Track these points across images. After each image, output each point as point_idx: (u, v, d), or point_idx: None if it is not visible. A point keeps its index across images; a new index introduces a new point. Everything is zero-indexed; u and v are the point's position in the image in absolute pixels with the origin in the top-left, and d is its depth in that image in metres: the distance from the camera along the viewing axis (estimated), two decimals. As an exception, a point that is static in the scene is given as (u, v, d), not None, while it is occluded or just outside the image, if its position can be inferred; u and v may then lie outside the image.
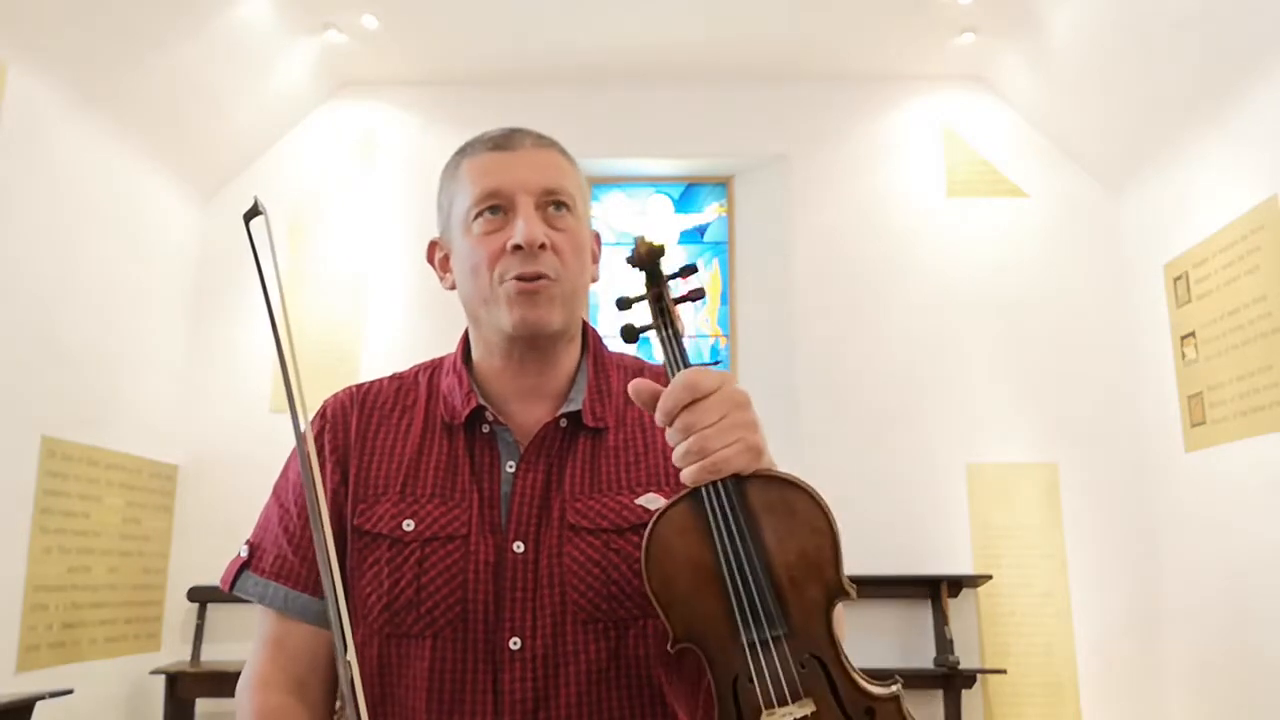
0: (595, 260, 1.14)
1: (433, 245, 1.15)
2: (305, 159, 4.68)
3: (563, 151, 1.11)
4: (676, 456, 0.90)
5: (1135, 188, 4.36)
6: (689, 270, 1.02)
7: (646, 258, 0.98)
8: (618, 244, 4.94)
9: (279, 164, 4.66)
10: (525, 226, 1.01)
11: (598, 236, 1.16)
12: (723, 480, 0.88)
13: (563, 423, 1.06)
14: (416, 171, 4.62)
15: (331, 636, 1.01)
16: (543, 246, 1.01)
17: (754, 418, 0.91)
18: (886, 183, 4.62)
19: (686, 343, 0.96)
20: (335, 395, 1.15)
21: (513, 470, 1.04)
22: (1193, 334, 3.87)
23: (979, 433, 4.33)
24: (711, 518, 0.88)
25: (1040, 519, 4.25)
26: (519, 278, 1.01)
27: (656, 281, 0.99)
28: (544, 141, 1.09)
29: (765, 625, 0.86)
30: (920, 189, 4.60)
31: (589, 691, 0.98)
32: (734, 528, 0.87)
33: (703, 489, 0.89)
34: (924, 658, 4.07)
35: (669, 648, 0.90)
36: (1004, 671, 4.03)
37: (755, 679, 0.86)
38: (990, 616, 4.17)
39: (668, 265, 1.00)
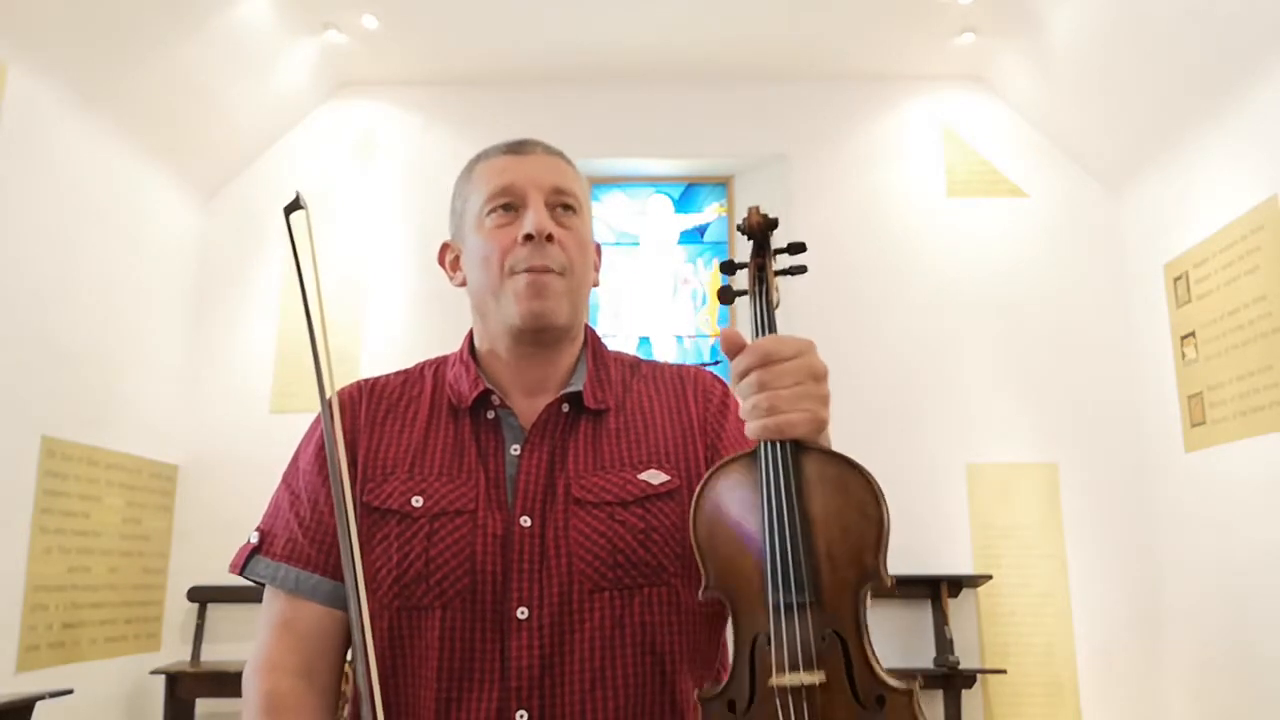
0: (596, 269, 1.19)
1: (444, 248, 1.20)
2: (305, 159, 4.68)
3: (570, 162, 1.18)
4: (744, 410, 0.93)
5: (1135, 188, 4.36)
6: (796, 248, 1.05)
7: (756, 227, 1.02)
8: (618, 244, 4.95)
9: (279, 164, 4.66)
10: (535, 216, 1.07)
11: (599, 248, 1.22)
12: (783, 444, 0.91)
13: (565, 406, 1.10)
14: (416, 171, 4.62)
15: (342, 616, 1.07)
16: (550, 238, 1.07)
17: (827, 392, 0.93)
18: (886, 183, 4.62)
19: (778, 313, 1.02)
20: (343, 388, 1.18)
21: (517, 453, 1.08)
22: (1193, 334, 3.87)
23: (979, 433, 4.33)
24: (764, 477, 0.91)
25: (1040, 519, 4.25)
26: (528, 270, 1.06)
27: (762, 252, 1.03)
28: (553, 150, 1.17)
29: (794, 589, 0.88)
30: (920, 189, 4.60)
31: (593, 658, 1.00)
32: (784, 490, 0.90)
33: (762, 450, 0.91)
34: (924, 658, 4.07)
35: (699, 594, 0.94)
36: (1004, 671, 4.03)
37: (773, 640, 0.88)
38: (990, 616, 4.18)
39: (776, 239, 1.04)
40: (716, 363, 4.77)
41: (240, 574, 1.11)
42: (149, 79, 3.82)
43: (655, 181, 5.01)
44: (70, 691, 3.17)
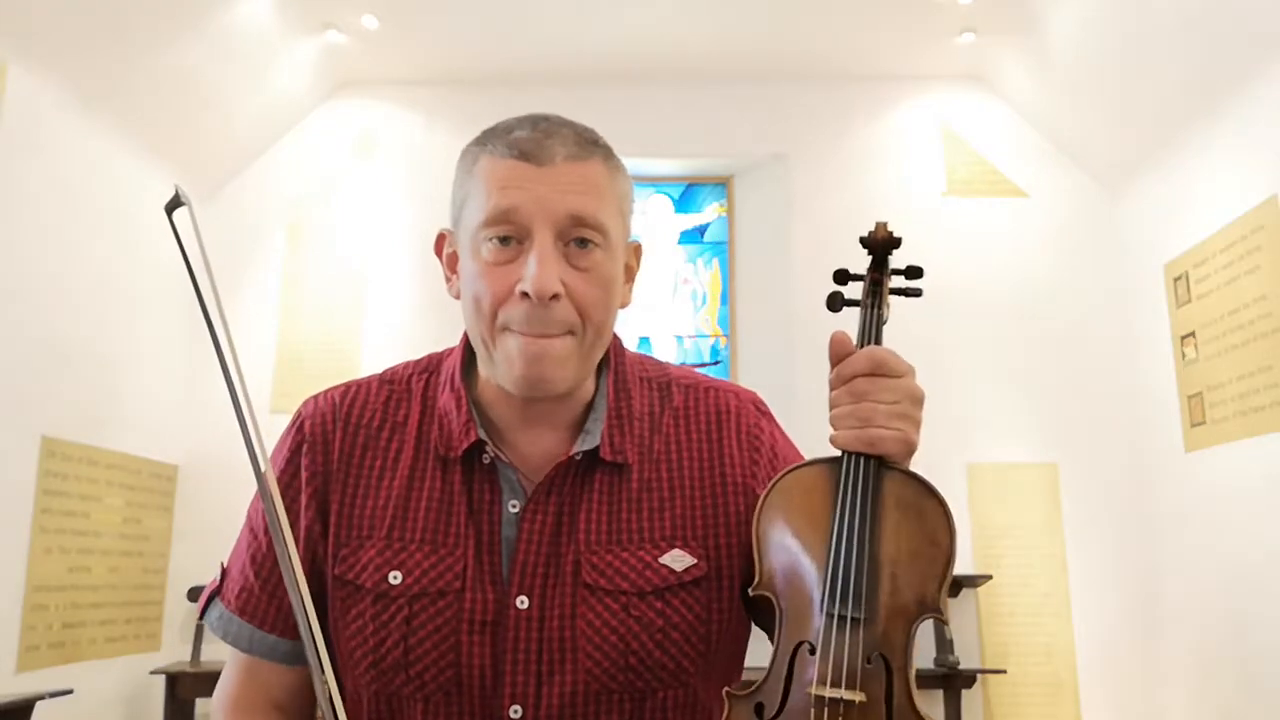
0: (631, 278, 1.01)
1: (441, 237, 1.01)
2: (305, 159, 4.68)
3: (605, 157, 0.93)
4: (836, 416, 0.90)
5: (1135, 188, 4.36)
6: (915, 272, 1.03)
7: (880, 245, 1.03)
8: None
9: (279, 164, 4.65)
10: (537, 273, 0.86)
11: (638, 249, 1.02)
12: (869, 457, 0.88)
13: (578, 456, 0.94)
14: (417, 171, 4.62)
15: (306, 672, 0.95)
16: (556, 296, 0.87)
17: (921, 418, 0.91)
18: (886, 183, 4.62)
19: (884, 329, 1.01)
20: (315, 403, 1.01)
21: (516, 510, 0.93)
22: (1193, 334, 3.87)
23: (979, 433, 4.32)
24: (842, 486, 0.89)
25: (1040, 519, 4.24)
26: (524, 332, 0.88)
27: (880, 268, 1.02)
28: (582, 152, 0.91)
29: (850, 602, 0.85)
30: (920, 189, 4.59)
31: None
32: (860, 503, 0.87)
33: (845, 460, 0.89)
34: (924, 658, 4.07)
35: (750, 590, 0.90)
36: (1004, 671, 4.03)
37: (819, 650, 0.85)
38: (990, 616, 4.17)
39: (897, 258, 1.03)
40: (717, 362, 4.76)
41: (200, 618, 1.01)
42: (149, 79, 3.82)
43: (655, 181, 5.01)
44: (70, 691, 3.16)
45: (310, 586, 0.87)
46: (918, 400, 0.90)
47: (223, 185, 4.61)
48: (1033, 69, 4.37)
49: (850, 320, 1.00)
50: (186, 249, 0.86)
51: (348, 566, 0.93)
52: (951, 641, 3.98)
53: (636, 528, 0.94)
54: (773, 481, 0.91)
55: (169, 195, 0.81)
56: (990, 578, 4.11)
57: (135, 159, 4.01)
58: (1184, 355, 3.94)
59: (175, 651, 4.15)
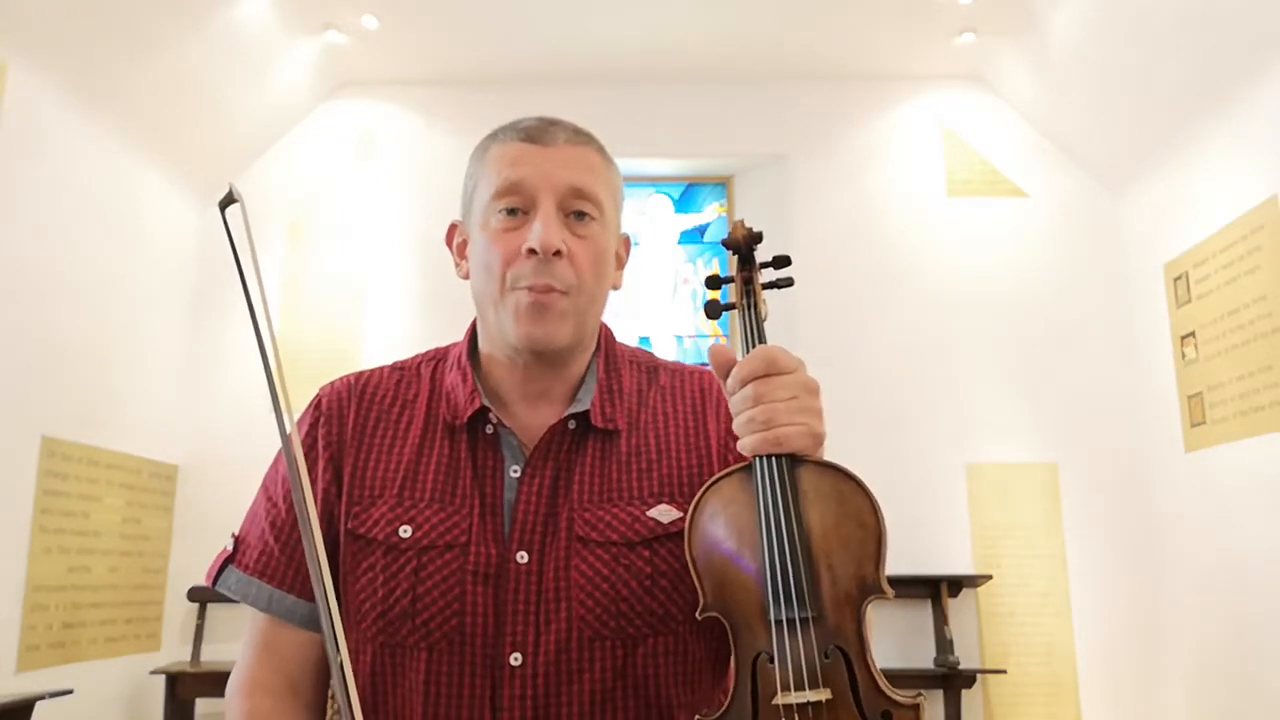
0: (621, 266, 1.10)
1: (453, 228, 1.11)
2: (305, 159, 4.68)
3: (599, 149, 1.06)
4: (739, 424, 0.91)
5: (1135, 188, 4.36)
6: (782, 261, 1.04)
7: (742, 242, 1.03)
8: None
9: (279, 164, 4.66)
10: (542, 230, 0.97)
11: (627, 240, 1.12)
12: (779, 457, 0.89)
13: (571, 424, 1.02)
14: (416, 171, 4.62)
15: (322, 638, 0.99)
16: (559, 254, 0.97)
17: (821, 407, 0.91)
18: (886, 183, 4.62)
19: (767, 326, 1.01)
20: (332, 385, 1.10)
21: (517, 475, 1.00)
22: (1193, 334, 3.87)
23: (979, 433, 4.33)
24: (760, 492, 0.89)
25: (1040, 519, 4.24)
26: (530, 288, 0.97)
27: (748, 265, 1.03)
28: (580, 138, 1.04)
29: (795, 605, 0.85)
30: (920, 189, 4.59)
31: (592, 712, 0.94)
32: (781, 504, 0.88)
33: (757, 463, 0.90)
34: (924, 658, 4.07)
35: (697, 615, 0.91)
36: (1004, 671, 4.03)
37: (776, 658, 0.85)
38: (990, 616, 4.17)
39: (761, 252, 1.03)
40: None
41: (213, 585, 1.05)
42: (149, 79, 3.82)
43: (655, 181, 5.01)
44: (70, 691, 3.17)
45: (324, 546, 0.91)
46: (813, 390, 0.91)
47: (223, 185, 4.60)
48: (1033, 69, 4.37)
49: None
50: (237, 244, 0.91)
51: (360, 522, 0.99)
52: (951, 641, 3.98)
53: (626, 486, 1.00)
54: (692, 505, 0.93)
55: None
56: (990, 578, 4.11)
57: (135, 159, 4.01)
58: (1184, 355, 3.94)
59: (175, 651, 4.15)
